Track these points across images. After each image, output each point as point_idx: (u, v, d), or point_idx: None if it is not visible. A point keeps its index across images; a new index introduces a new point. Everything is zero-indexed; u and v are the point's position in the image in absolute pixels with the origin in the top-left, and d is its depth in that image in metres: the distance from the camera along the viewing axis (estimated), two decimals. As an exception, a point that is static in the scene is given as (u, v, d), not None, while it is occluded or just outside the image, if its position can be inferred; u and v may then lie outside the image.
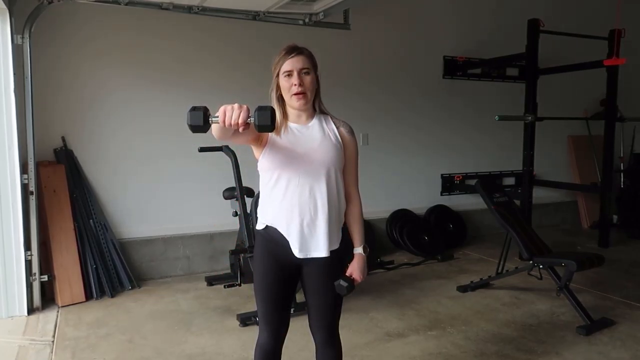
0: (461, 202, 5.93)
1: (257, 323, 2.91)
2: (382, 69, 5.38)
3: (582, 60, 5.07)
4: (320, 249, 1.87)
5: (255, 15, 4.47)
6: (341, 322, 2.05)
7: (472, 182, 5.56)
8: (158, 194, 4.48)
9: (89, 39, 4.16)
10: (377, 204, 5.28)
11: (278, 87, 1.88)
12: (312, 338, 2.02)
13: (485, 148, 6.10)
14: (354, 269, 1.96)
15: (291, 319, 2.03)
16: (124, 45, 4.28)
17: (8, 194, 3.52)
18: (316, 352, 2.04)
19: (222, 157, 3.97)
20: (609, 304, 3.83)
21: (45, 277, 3.76)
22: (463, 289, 4.11)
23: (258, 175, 1.92)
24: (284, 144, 1.85)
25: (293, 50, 1.85)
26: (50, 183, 3.94)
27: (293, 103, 1.86)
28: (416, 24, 5.54)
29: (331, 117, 1.97)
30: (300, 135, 1.88)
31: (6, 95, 3.46)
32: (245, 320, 3.42)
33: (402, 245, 5.29)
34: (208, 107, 1.48)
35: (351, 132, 1.98)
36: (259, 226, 1.94)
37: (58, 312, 3.68)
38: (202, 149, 3.84)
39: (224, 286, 3.79)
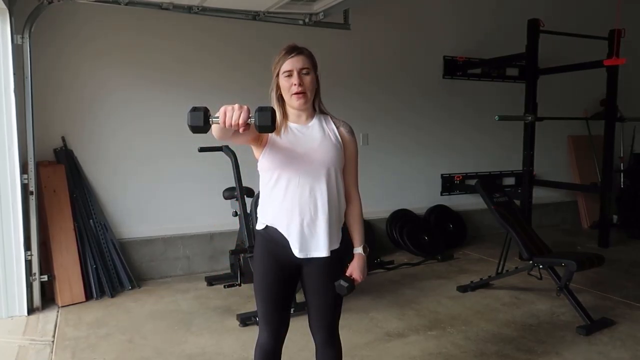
0: (461, 202, 5.93)
1: (257, 323, 2.92)
2: (382, 69, 5.39)
3: (582, 60, 5.07)
4: (320, 249, 1.87)
5: (255, 15, 4.47)
6: (341, 322, 2.05)
7: (472, 182, 5.56)
8: (158, 194, 4.48)
9: (89, 39, 4.16)
10: (377, 204, 5.28)
11: (278, 87, 1.88)
12: (312, 338, 2.02)
13: (485, 148, 6.10)
14: (354, 269, 1.96)
15: (291, 319, 2.03)
16: (124, 45, 4.28)
17: (8, 194, 3.52)
18: (316, 352, 2.04)
19: (222, 157, 3.97)
20: (609, 304, 3.83)
21: (45, 277, 3.76)
22: (463, 289, 4.11)
23: (258, 175, 1.92)
24: (284, 144, 1.85)
25: (293, 50, 1.85)
26: (50, 183, 3.94)
27: (293, 103, 1.86)
28: (416, 24, 5.54)
29: (331, 117, 1.97)
30: (300, 135, 1.88)
31: (6, 95, 3.46)
32: (245, 320, 3.42)
33: (402, 245, 5.29)
34: (208, 108, 1.48)
35: (351, 132, 1.98)
36: (259, 226, 1.94)
37: (58, 312, 3.68)
38: (202, 149, 3.84)
39: (224, 286, 3.79)
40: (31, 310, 3.65)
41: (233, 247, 4.05)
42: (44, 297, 3.81)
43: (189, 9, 4.21)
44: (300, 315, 2.57)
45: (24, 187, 3.62)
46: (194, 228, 4.63)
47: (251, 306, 3.57)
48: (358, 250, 2.00)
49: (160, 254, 4.49)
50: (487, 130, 5.94)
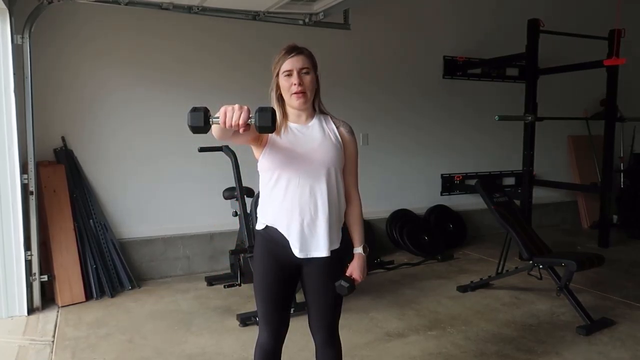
0: (461, 202, 5.93)
1: (257, 323, 2.92)
2: (382, 69, 5.38)
3: (582, 60, 5.07)
4: (320, 249, 1.87)
5: (255, 15, 4.47)
6: (341, 322, 2.05)
7: (472, 182, 5.56)
8: (158, 194, 4.48)
9: (89, 39, 4.16)
10: (377, 204, 5.28)
11: (278, 87, 1.88)
12: (312, 338, 2.03)
13: (485, 148, 6.10)
14: (354, 269, 1.96)
15: (291, 319, 2.03)
16: (124, 45, 4.29)
17: (8, 194, 3.52)
18: (316, 352, 2.04)
19: (222, 157, 3.97)
20: (609, 304, 3.83)
21: (45, 277, 3.76)
22: (463, 289, 4.11)
23: (258, 175, 1.92)
24: (284, 144, 1.85)
25: (293, 50, 1.85)
26: (50, 183, 3.94)
27: (293, 102, 1.86)
28: (416, 24, 5.54)
29: (331, 117, 1.97)
30: (300, 135, 1.88)
31: (6, 95, 3.46)
32: (245, 320, 3.42)
33: (402, 245, 5.29)
34: (208, 108, 1.48)
35: (351, 132, 1.98)
36: (259, 226, 1.94)
37: (58, 312, 3.68)
38: (202, 149, 3.84)
39: (224, 286, 3.79)
40: (31, 310, 3.65)
41: (233, 247, 4.05)
42: (44, 297, 3.81)
43: (189, 9, 4.21)
44: (300, 315, 2.57)
45: (24, 187, 3.62)
46: (194, 228, 4.63)
47: (251, 306, 3.57)
48: (358, 250, 2.00)
49: (160, 254, 4.49)
50: (487, 130, 5.94)
